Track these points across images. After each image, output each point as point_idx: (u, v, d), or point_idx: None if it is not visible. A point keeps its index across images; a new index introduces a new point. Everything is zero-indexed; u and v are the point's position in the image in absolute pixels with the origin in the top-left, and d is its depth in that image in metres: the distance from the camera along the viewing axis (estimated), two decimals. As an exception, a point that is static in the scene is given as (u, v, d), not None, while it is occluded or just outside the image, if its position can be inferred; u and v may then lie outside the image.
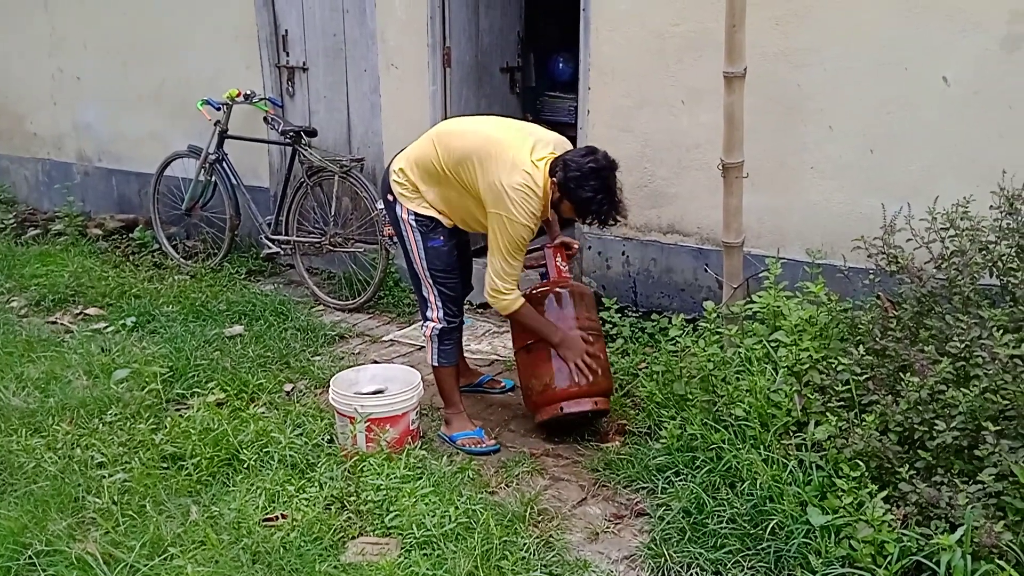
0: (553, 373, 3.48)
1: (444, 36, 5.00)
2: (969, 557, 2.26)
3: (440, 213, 3.42)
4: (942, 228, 3.09)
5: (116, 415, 3.56)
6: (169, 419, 3.47)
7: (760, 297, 3.41)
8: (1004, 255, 2.98)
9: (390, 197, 3.48)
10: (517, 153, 3.21)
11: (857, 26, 3.79)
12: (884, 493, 2.52)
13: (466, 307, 3.88)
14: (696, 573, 2.67)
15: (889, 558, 2.37)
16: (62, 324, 4.86)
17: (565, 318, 3.54)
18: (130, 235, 6.33)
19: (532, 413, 3.63)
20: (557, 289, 3.62)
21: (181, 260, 5.90)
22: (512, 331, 3.70)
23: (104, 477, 3.09)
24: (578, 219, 3.35)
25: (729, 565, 2.65)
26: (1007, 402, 2.46)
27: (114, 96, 6.56)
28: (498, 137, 3.28)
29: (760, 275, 3.64)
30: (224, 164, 5.63)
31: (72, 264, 5.59)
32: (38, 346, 4.37)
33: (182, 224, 6.14)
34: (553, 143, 3.35)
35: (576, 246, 3.87)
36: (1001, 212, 3.03)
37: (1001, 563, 2.23)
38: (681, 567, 2.70)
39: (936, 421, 2.55)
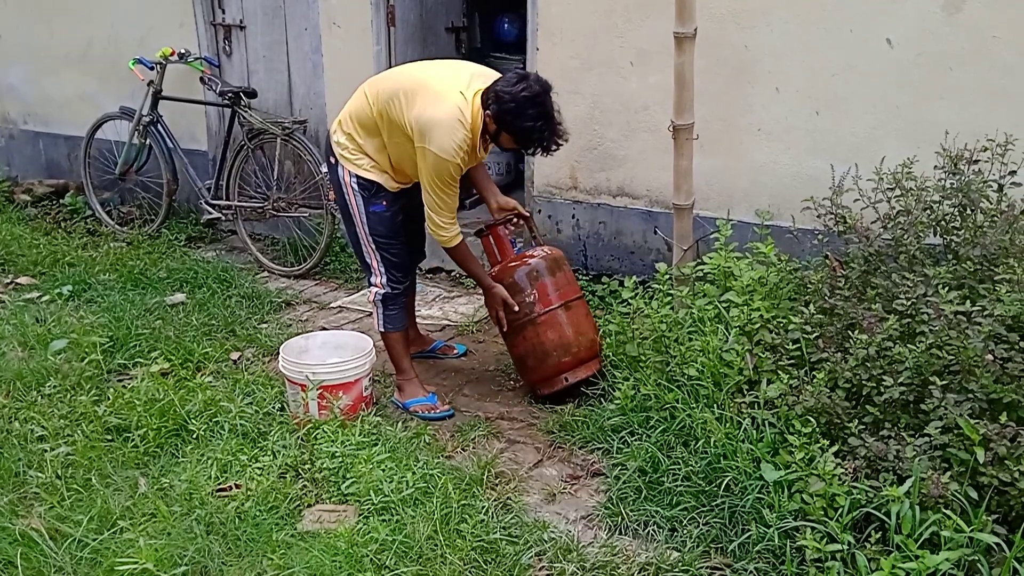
0: (567, 342, 3.46)
1: (388, -6, 4.88)
2: (917, 507, 2.33)
3: (383, 174, 3.35)
4: (888, 188, 3.14)
5: (55, 387, 3.44)
6: (112, 390, 3.37)
7: (711, 258, 3.44)
8: (947, 214, 3.06)
9: (332, 159, 3.40)
10: (444, 86, 3.14)
11: (804, -12, 3.81)
12: (834, 448, 2.57)
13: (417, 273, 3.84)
14: (653, 531, 2.70)
15: (840, 510, 2.43)
16: (-8, 294, 4.67)
17: (546, 297, 3.48)
18: (61, 201, 6.09)
19: (536, 384, 3.58)
20: (512, 266, 3.53)
21: (116, 227, 5.70)
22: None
23: (46, 451, 3.00)
24: (519, 148, 3.24)
25: (685, 522, 2.69)
26: (952, 357, 2.53)
27: (39, 55, 6.25)
28: (426, 72, 3.24)
29: (710, 236, 3.67)
30: (159, 126, 5.43)
31: (0, 232, 5.36)
32: (-33, 317, 4.19)
33: (116, 189, 5.92)
34: (489, 77, 3.22)
35: (518, 215, 3.65)
36: (945, 172, 3.10)
37: (948, 512, 2.30)
38: (638, 525, 2.74)
39: (884, 377, 2.61)
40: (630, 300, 3.59)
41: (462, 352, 4.05)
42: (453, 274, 4.96)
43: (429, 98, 3.11)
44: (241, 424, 3.17)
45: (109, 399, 3.29)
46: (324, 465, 2.91)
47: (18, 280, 4.84)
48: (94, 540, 2.56)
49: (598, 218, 4.56)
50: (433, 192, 3.20)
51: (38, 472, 2.90)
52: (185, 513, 2.68)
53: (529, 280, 3.50)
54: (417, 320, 4.06)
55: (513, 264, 3.54)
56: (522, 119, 3.06)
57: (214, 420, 3.19)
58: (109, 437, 3.12)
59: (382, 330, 3.53)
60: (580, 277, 4.47)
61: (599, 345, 3.55)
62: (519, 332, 3.50)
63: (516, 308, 3.45)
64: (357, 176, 3.33)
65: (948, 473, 2.38)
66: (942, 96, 3.62)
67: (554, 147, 3.19)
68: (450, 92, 3.12)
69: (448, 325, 4.39)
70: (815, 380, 2.73)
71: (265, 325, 4.31)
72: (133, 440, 3.09)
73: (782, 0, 3.86)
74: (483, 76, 3.24)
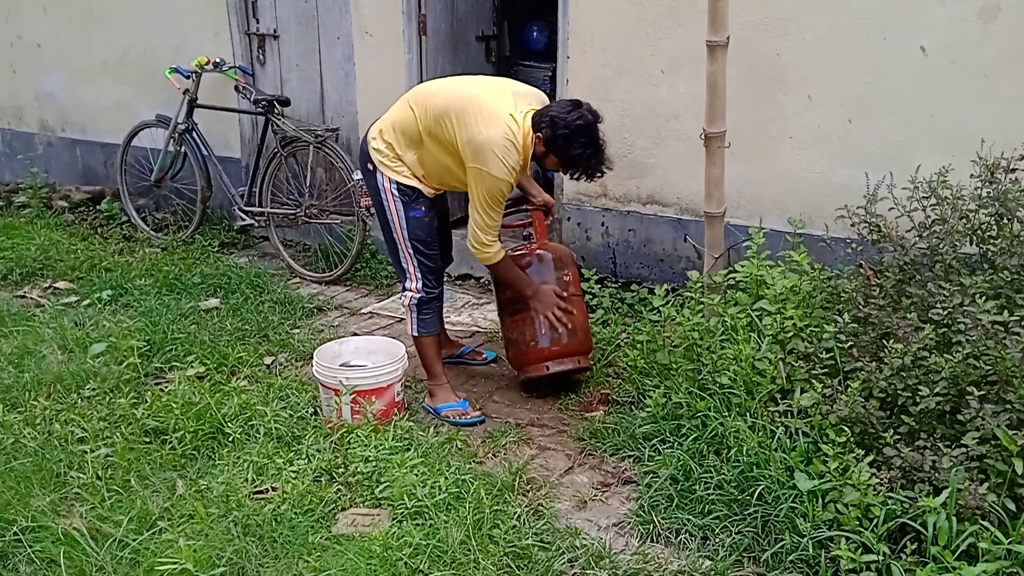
0: (539, 333, 3.56)
1: (420, 3, 4.92)
2: (954, 519, 2.32)
3: (421, 181, 3.39)
4: (923, 197, 3.12)
5: (94, 390, 3.51)
6: (149, 393, 3.43)
7: (743, 266, 3.43)
8: (984, 223, 3.03)
9: (370, 166, 3.44)
10: (495, 107, 3.19)
11: (837, -5, 3.80)
12: (869, 458, 2.56)
13: (445, 278, 3.87)
14: (685, 539, 2.70)
15: (875, 520, 2.42)
16: (31, 298, 4.75)
17: (546, 280, 3.63)
18: (97, 207, 6.18)
19: (517, 369, 3.73)
20: (538, 252, 3.67)
21: (151, 232, 5.79)
22: (495, 292, 3.74)
23: (86, 452, 3.05)
24: (563, 172, 3.33)
25: (717, 530, 2.69)
26: (989, 367, 2.51)
27: (77, 64, 6.38)
28: (475, 92, 3.26)
29: (740, 245, 3.67)
30: (194, 134, 5.52)
31: (39, 237, 5.47)
32: (8, 320, 4.28)
33: (151, 196, 6.02)
34: (531, 97, 3.33)
35: (553, 206, 3.90)
36: (982, 181, 3.07)
37: (985, 523, 2.29)
38: (670, 533, 2.74)
39: (919, 387, 2.59)
40: (661, 308, 3.60)
41: (491, 358, 4.07)
42: (482, 280, 4.99)
43: (481, 119, 3.15)
44: (276, 428, 3.21)
45: (147, 402, 3.35)
46: (358, 469, 2.94)
47: (56, 284, 4.93)
48: (134, 540, 2.61)
49: (627, 226, 4.57)
50: (483, 211, 3.24)
51: (79, 473, 2.96)
52: (223, 515, 2.72)
53: (572, 261, 3.71)
54: (446, 326, 4.08)
55: (555, 243, 3.77)
56: (573, 146, 3.15)
57: (249, 423, 3.24)
58: (147, 439, 3.18)
59: (415, 334, 3.56)
60: (609, 285, 4.49)
61: (588, 344, 3.72)
62: (569, 303, 3.60)
63: (570, 309, 3.57)
64: (397, 182, 3.37)
65: (985, 484, 2.36)
66: (977, 104, 3.60)
67: (598, 175, 3.27)
68: (501, 113, 3.17)
69: (477, 331, 4.41)
70: (849, 389, 2.72)
71: (297, 330, 4.36)
72: (171, 442, 3.14)
73: (814, 8, 3.85)
74: (527, 96, 3.32)
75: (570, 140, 3.13)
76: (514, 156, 3.16)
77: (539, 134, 3.17)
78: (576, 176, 3.28)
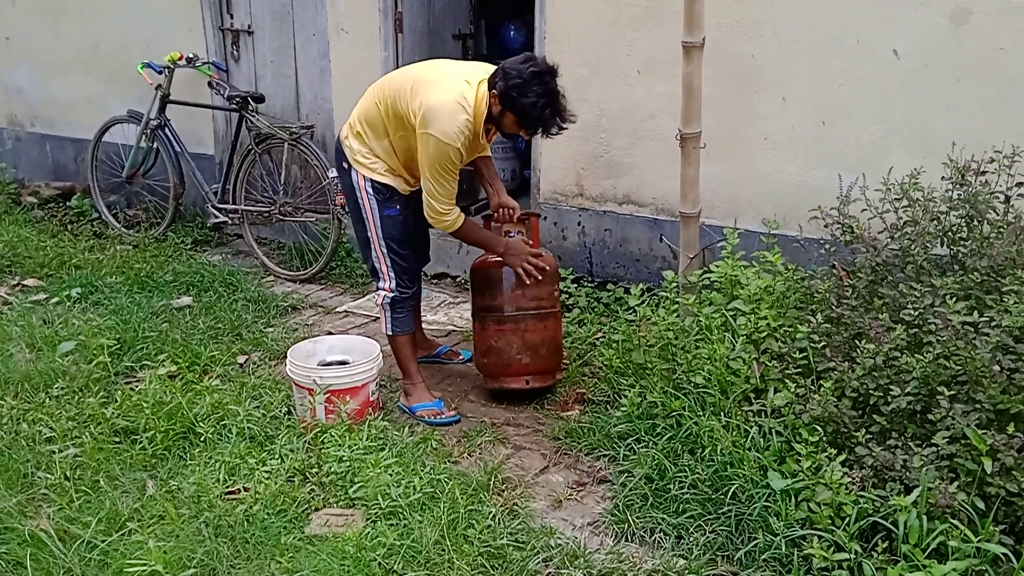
0: (502, 348, 3.53)
1: (396, 0, 4.90)
2: (924, 517, 2.34)
3: (396, 177, 3.37)
4: (895, 199, 3.16)
5: (63, 389, 3.46)
6: (119, 393, 3.38)
7: (718, 266, 3.45)
8: (954, 225, 3.07)
9: (345, 165, 3.42)
10: (449, 75, 3.21)
11: (812, -2, 3.83)
12: (841, 457, 2.58)
13: (421, 278, 3.85)
14: (659, 538, 2.71)
15: (847, 519, 2.44)
16: (-1, 296, 4.68)
17: (525, 294, 3.56)
18: (67, 203, 6.10)
19: (482, 376, 3.73)
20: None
21: (122, 229, 5.71)
22: (471, 296, 3.70)
23: (54, 452, 3.01)
24: (522, 131, 3.23)
25: (691, 529, 2.70)
26: (959, 368, 2.54)
27: (46, 58, 6.28)
28: (432, 65, 3.34)
29: (716, 245, 3.68)
30: (167, 130, 5.45)
31: (7, 233, 5.38)
32: (-26, 318, 4.21)
33: (122, 192, 5.94)
34: (489, 71, 3.29)
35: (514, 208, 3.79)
36: (952, 183, 3.11)
37: (955, 522, 2.31)
38: (645, 532, 2.75)
39: (891, 387, 2.62)
40: (636, 307, 3.61)
41: (468, 358, 4.06)
42: (459, 279, 4.97)
43: (432, 86, 3.15)
44: (248, 427, 3.18)
45: (117, 401, 3.30)
46: (331, 469, 2.92)
47: (25, 282, 4.86)
48: (103, 542, 2.57)
49: (604, 225, 4.58)
50: (433, 179, 3.21)
51: (47, 473, 2.92)
52: (193, 516, 2.69)
53: (557, 278, 3.67)
54: (422, 325, 4.07)
55: (547, 256, 3.66)
56: (527, 96, 3.07)
57: (222, 423, 3.20)
58: (117, 439, 3.13)
59: (390, 333, 3.54)
60: (585, 284, 4.50)
61: (556, 362, 3.69)
62: (542, 320, 3.54)
63: (542, 265, 3.49)
64: (372, 180, 3.34)
65: (955, 483, 2.39)
66: (948, 107, 3.64)
67: (555, 130, 3.18)
68: (454, 80, 3.17)
69: (454, 331, 4.40)
70: (822, 389, 2.74)
71: (271, 329, 4.32)
72: (141, 442, 3.10)
73: (789, 10, 3.88)
74: (479, 68, 3.30)
75: (524, 90, 3.06)
76: (462, 118, 3.10)
77: (494, 90, 3.12)
78: (534, 132, 3.19)
